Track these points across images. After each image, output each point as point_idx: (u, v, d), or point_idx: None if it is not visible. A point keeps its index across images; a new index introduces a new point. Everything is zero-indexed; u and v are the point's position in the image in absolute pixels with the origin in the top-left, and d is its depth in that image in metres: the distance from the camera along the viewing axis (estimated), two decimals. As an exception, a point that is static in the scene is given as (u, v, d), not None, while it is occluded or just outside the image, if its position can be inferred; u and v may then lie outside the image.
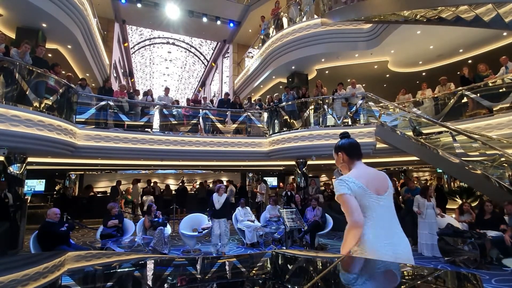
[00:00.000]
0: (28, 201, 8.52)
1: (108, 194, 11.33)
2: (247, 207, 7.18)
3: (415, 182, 7.77)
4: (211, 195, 6.20)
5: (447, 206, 8.71)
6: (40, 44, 6.95)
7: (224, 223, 5.85)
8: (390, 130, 7.05)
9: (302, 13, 9.57)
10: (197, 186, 12.74)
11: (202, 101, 10.52)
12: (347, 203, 1.50)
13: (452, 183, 11.32)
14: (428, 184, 14.49)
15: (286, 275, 1.21)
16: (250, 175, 14.84)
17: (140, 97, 9.01)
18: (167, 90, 9.52)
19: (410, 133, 6.84)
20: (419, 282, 1.04)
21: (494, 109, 6.25)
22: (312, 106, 8.45)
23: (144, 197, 9.66)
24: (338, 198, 1.56)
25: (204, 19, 12.52)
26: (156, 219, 6.01)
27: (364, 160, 1.71)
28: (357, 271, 1.18)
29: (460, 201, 8.16)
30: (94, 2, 9.54)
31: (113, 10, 12.07)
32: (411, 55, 9.03)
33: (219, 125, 8.96)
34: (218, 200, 5.86)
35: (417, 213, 5.80)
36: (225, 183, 12.39)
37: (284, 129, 8.45)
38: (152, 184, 11.17)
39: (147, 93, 8.96)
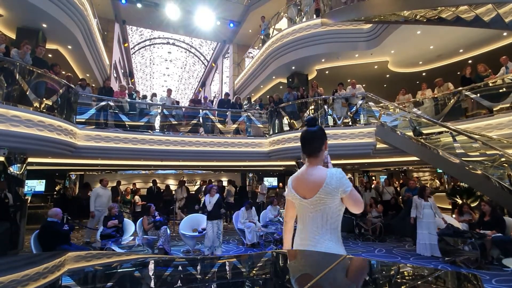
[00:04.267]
0: (28, 201, 8.52)
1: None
2: (252, 210, 7.01)
3: (415, 182, 7.75)
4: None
5: (443, 206, 8.72)
6: (40, 44, 6.96)
7: (216, 224, 5.74)
8: (390, 130, 7.05)
9: (302, 13, 9.58)
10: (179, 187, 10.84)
11: (202, 101, 10.53)
12: (285, 207, 1.70)
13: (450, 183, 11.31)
14: (427, 184, 14.53)
15: (286, 275, 1.21)
16: (250, 175, 14.84)
17: (148, 98, 9.26)
18: (169, 91, 9.55)
19: (410, 133, 6.84)
20: (419, 282, 1.04)
21: (494, 109, 6.24)
22: (312, 106, 8.45)
23: (136, 197, 9.66)
24: None
25: (204, 19, 12.52)
26: (158, 218, 6.03)
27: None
28: (357, 271, 1.17)
29: (460, 201, 8.15)
30: (94, 2, 9.55)
31: (113, 11, 12.08)
32: (411, 55, 9.03)
33: (219, 125, 8.96)
34: (210, 201, 5.73)
35: (411, 222, 6.00)
36: (225, 183, 12.39)
37: (285, 129, 8.45)
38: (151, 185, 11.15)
39: (154, 95, 9.42)
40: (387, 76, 10.50)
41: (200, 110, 9.16)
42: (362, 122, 7.78)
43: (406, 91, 8.67)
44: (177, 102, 10.46)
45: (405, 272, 1.20)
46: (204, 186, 10.37)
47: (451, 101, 7.13)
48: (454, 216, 6.57)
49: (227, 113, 9.38)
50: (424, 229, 5.72)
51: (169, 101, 9.22)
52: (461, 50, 8.48)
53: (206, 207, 5.77)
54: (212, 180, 13.43)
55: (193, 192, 12.26)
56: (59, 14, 6.90)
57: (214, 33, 14.12)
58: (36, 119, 5.21)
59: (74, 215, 7.84)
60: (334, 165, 1.60)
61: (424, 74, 9.96)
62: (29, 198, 9.86)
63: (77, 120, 6.78)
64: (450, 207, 8.74)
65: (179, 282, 1.17)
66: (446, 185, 11.46)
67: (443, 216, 5.87)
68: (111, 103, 7.55)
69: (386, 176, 15.31)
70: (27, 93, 5.41)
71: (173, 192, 10.73)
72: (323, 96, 8.51)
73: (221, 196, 6.44)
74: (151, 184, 11.05)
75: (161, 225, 5.84)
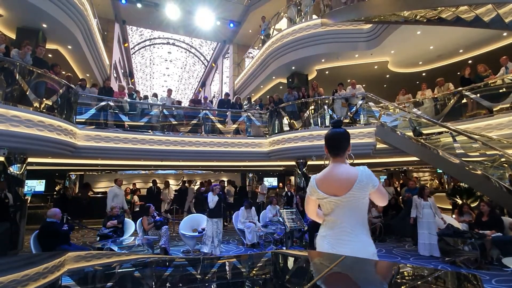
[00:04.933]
0: (28, 201, 8.52)
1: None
2: (252, 210, 7.07)
3: (415, 182, 7.74)
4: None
5: (443, 206, 8.72)
6: (40, 44, 6.96)
7: (216, 223, 5.78)
8: (390, 131, 7.05)
9: (302, 13, 9.58)
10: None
11: (202, 101, 10.53)
12: (306, 200, 1.70)
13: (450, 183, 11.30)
14: (427, 184, 14.53)
15: (286, 275, 1.21)
16: (250, 175, 14.84)
17: (150, 99, 9.27)
18: (169, 91, 9.55)
19: (410, 134, 6.84)
20: (419, 282, 1.04)
21: (494, 109, 6.24)
22: (312, 107, 8.45)
23: (135, 197, 9.65)
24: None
25: (204, 19, 12.53)
26: (158, 218, 6.05)
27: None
28: (358, 271, 1.17)
29: (460, 202, 8.14)
30: (94, 2, 9.55)
31: (113, 11, 12.08)
32: (411, 55, 9.03)
33: (219, 126, 8.96)
34: (212, 199, 5.82)
35: (410, 222, 6.04)
36: (225, 183, 12.38)
37: (285, 130, 8.45)
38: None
39: (155, 95, 9.49)
40: (387, 76, 10.50)
41: (200, 110, 9.16)
42: (362, 122, 7.79)
43: (406, 91, 8.67)
44: (179, 102, 10.46)
45: (405, 272, 1.20)
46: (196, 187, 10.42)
47: (451, 101, 7.13)
48: (454, 216, 6.57)
49: (227, 113, 9.39)
50: (425, 229, 5.73)
51: (169, 101, 9.22)
52: (461, 50, 8.48)
53: (208, 205, 5.82)
54: (212, 180, 13.43)
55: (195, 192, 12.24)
56: (59, 14, 6.89)
57: (214, 33, 14.12)
58: (36, 119, 5.21)
59: (74, 215, 7.84)
60: None
61: (424, 74, 9.96)
62: (29, 198, 9.85)
63: (77, 120, 6.78)
64: (450, 207, 8.73)
65: (179, 282, 1.17)
66: (446, 185, 11.43)
67: (442, 216, 5.88)
68: (111, 103, 7.56)
69: (386, 176, 15.30)
70: (27, 93, 5.40)
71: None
72: (323, 96, 8.52)
73: (224, 196, 6.48)
74: (151, 184, 11.04)
75: (162, 225, 5.86)
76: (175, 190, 11.92)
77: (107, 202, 7.07)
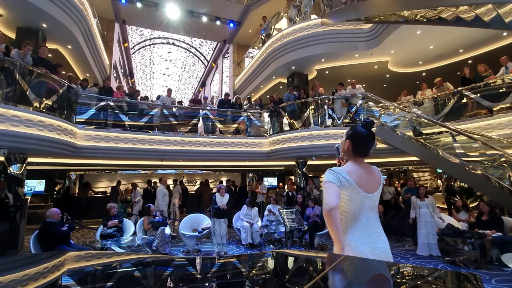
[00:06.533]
0: (28, 201, 8.52)
1: (108, 194, 11.31)
2: (254, 209, 7.11)
3: (413, 182, 7.73)
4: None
5: (443, 206, 8.71)
6: (42, 44, 6.96)
7: (224, 223, 5.90)
8: (390, 130, 7.04)
9: (302, 13, 9.58)
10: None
11: (202, 101, 10.53)
12: (329, 189, 1.46)
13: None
14: (427, 184, 14.53)
15: (286, 275, 1.21)
16: (250, 175, 14.84)
17: (153, 98, 9.22)
18: (169, 91, 9.53)
19: (410, 133, 6.84)
20: (419, 282, 1.04)
21: (494, 109, 6.24)
22: (312, 106, 8.45)
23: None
24: (323, 184, 1.56)
25: (204, 19, 12.53)
26: (156, 219, 6.02)
27: (364, 160, 1.69)
28: (358, 271, 1.17)
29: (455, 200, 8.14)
30: (94, 2, 9.54)
31: (113, 10, 12.07)
32: (411, 55, 9.03)
33: (219, 125, 8.97)
34: (221, 200, 5.90)
35: (410, 221, 6.10)
36: (224, 183, 12.37)
37: (285, 129, 8.45)
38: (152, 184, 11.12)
39: (158, 97, 9.59)
40: (387, 76, 10.50)
41: (200, 110, 9.16)
42: (362, 122, 7.77)
43: (408, 93, 8.65)
44: (180, 102, 10.45)
45: (405, 272, 1.20)
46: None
47: (451, 101, 7.13)
48: (453, 215, 6.58)
49: (227, 113, 9.39)
50: (423, 228, 5.76)
51: (169, 101, 9.21)
52: (461, 50, 8.48)
53: (216, 205, 5.86)
54: (210, 180, 13.40)
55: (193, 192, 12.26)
56: (59, 14, 6.89)
57: (214, 33, 14.12)
58: (36, 119, 5.21)
59: (74, 215, 7.84)
60: (333, 165, 1.64)
61: (424, 74, 9.96)
62: (29, 198, 9.85)
63: (77, 120, 6.79)
64: (446, 206, 8.74)
65: (179, 282, 1.17)
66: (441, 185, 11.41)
67: (441, 216, 5.89)
68: (111, 103, 7.56)
69: (386, 176, 15.30)
70: (27, 93, 5.41)
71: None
72: (323, 96, 8.51)
73: (231, 197, 6.56)
74: (150, 184, 11.00)
75: (159, 226, 5.81)
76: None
77: (156, 201, 7.93)
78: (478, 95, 6.57)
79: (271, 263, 1.43)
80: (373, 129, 1.67)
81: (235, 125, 9.16)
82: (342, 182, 1.49)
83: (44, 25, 7.12)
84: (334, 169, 1.53)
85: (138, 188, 9.34)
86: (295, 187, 8.97)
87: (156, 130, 8.13)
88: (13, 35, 7.17)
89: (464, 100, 6.90)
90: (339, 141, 1.77)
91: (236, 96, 11.11)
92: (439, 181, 15.03)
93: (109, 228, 5.52)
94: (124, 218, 6.17)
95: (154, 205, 7.48)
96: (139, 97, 8.96)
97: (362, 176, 1.55)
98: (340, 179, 1.49)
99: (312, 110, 8.42)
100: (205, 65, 21.15)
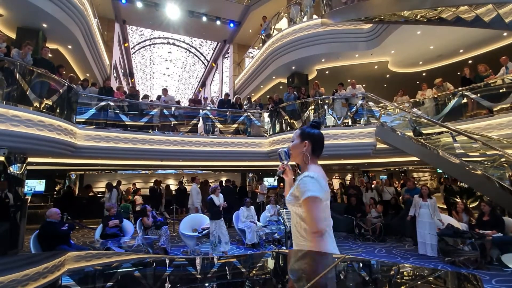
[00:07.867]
0: (28, 201, 8.53)
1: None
2: (251, 208, 7.14)
3: (413, 183, 7.73)
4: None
5: (443, 206, 8.70)
6: (44, 45, 6.98)
7: (223, 222, 5.86)
8: (390, 131, 7.05)
9: (303, 14, 9.58)
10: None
11: (203, 101, 10.52)
12: (317, 204, 1.31)
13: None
14: (427, 184, 14.52)
15: (286, 275, 1.21)
16: (250, 175, 14.84)
17: (154, 98, 9.17)
18: (164, 91, 9.42)
19: (410, 134, 6.84)
20: (419, 282, 1.04)
21: (494, 109, 6.24)
22: (312, 106, 8.44)
23: (137, 197, 9.62)
24: (306, 201, 1.32)
25: (204, 19, 12.54)
26: (159, 218, 6.08)
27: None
28: (358, 271, 1.18)
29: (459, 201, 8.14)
30: (94, 2, 9.55)
31: (114, 10, 12.08)
32: (411, 55, 9.02)
33: (219, 125, 8.96)
34: (219, 201, 5.85)
35: (408, 218, 6.14)
36: (223, 183, 12.36)
37: (285, 129, 8.44)
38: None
39: (159, 97, 9.49)
40: (387, 76, 10.50)
41: (200, 110, 9.15)
42: (362, 122, 7.78)
43: (403, 93, 8.63)
44: (178, 102, 10.41)
45: (405, 272, 1.20)
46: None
47: (451, 101, 7.13)
48: (453, 216, 6.58)
49: (227, 113, 9.38)
50: (423, 228, 5.79)
51: (167, 99, 9.15)
52: (461, 50, 8.48)
53: (215, 207, 5.78)
54: (209, 180, 13.42)
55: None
56: (59, 14, 6.89)
57: (214, 33, 14.12)
58: (36, 119, 5.21)
59: (74, 214, 7.85)
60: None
61: (424, 74, 9.96)
62: (29, 198, 9.86)
63: (77, 119, 6.78)
64: (445, 206, 8.74)
65: (179, 282, 1.17)
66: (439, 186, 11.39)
67: (440, 218, 5.89)
68: (111, 103, 7.56)
69: (386, 176, 15.30)
70: (27, 93, 5.41)
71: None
72: (323, 96, 8.51)
73: (231, 197, 6.58)
74: (151, 184, 11.02)
75: (161, 225, 5.89)
76: (175, 190, 11.91)
77: (191, 199, 8.49)
78: (478, 95, 6.57)
79: (271, 263, 1.43)
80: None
81: (235, 125, 9.15)
82: (321, 192, 1.36)
83: (44, 25, 7.12)
84: (313, 176, 1.38)
85: (114, 189, 9.02)
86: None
87: (156, 130, 8.13)
88: (13, 35, 7.18)
89: (465, 100, 6.90)
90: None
91: (236, 96, 11.11)
92: (442, 181, 15.01)
93: (110, 227, 5.54)
94: (124, 219, 6.18)
95: (189, 203, 8.58)
96: (140, 98, 8.94)
97: (325, 179, 1.46)
98: (320, 188, 1.35)
99: (312, 110, 8.41)
100: (205, 65, 21.15)
